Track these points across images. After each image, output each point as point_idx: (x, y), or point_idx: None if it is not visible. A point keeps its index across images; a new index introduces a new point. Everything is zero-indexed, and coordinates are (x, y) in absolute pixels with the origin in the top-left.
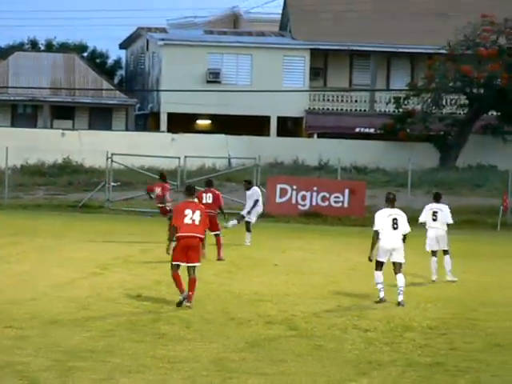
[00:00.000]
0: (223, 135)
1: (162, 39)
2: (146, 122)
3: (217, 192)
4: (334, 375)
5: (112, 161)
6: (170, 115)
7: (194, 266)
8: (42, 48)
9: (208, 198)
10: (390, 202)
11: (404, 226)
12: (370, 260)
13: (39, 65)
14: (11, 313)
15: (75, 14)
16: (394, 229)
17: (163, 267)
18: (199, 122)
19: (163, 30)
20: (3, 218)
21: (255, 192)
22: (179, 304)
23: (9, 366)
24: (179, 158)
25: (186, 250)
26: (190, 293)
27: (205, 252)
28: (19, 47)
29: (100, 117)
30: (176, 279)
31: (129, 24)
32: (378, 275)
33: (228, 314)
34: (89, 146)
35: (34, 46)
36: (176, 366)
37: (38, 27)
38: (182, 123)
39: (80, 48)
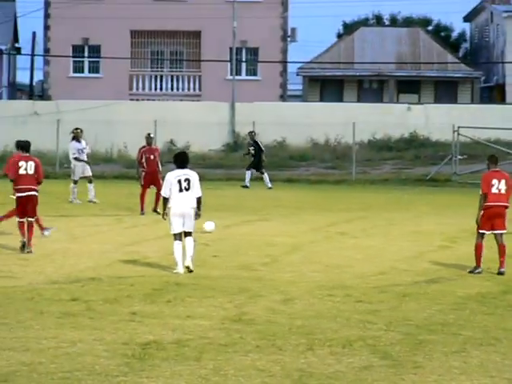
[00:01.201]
0: None
1: (507, 11)
2: (491, 94)
3: None
4: None
5: (458, 134)
6: None
7: (500, 233)
8: (387, 23)
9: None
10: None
11: None
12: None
13: (384, 40)
14: (361, 287)
15: None
16: None
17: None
18: None
19: (507, 2)
20: (351, 193)
21: None
22: (477, 272)
23: (361, 340)
24: None
25: (492, 218)
26: (502, 258)
27: None
28: (364, 22)
29: (445, 90)
30: (478, 249)
31: None
32: None
33: None
34: (435, 120)
35: (378, 21)
36: None
37: (382, 2)
38: None
39: (424, 22)
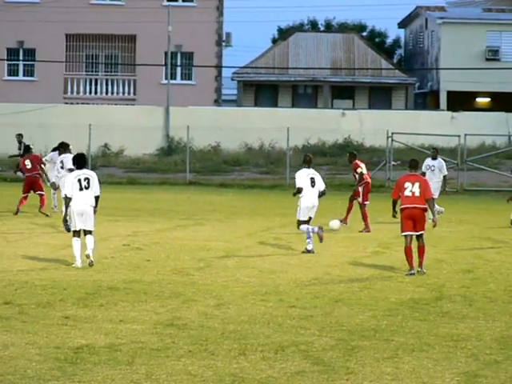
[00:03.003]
0: (503, 113)
1: (441, 18)
2: (426, 100)
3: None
4: None
5: (392, 140)
6: (450, 93)
7: (421, 234)
8: (322, 28)
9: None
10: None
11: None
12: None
13: (319, 45)
14: (294, 292)
15: None
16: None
17: (444, 245)
18: (478, 99)
19: (442, 9)
20: (285, 198)
21: (441, 164)
22: (411, 274)
23: (293, 346)
24: (459, 136)
25: (410, 220)
26: (420, 259)
27: (435, 219)
28: (299, 28)
29: (379, 96)
30: (408, 253)
31: (407, 3)
32: None
33: (511, 292)
34: (369, 126)
35: (313, 26)
36: (459, 344)
37: (317, 8)
38: (461, 101)
39: (359, 27)
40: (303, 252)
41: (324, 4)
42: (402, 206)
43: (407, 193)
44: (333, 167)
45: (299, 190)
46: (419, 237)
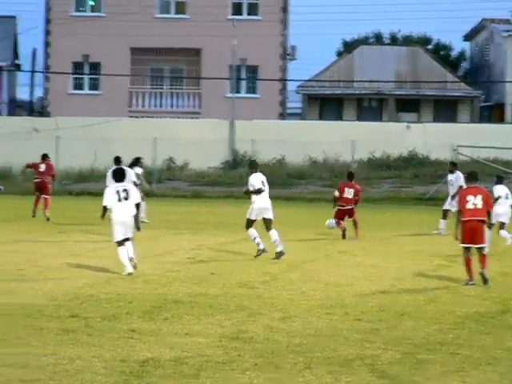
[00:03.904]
0: None
1: (507, 31)
2: (491, 113)
3: (357, 186)
4: None
5: (458, 153)
6: None
7: (481, 247)
8: (387, 41)
9: (349, 193)
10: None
11: None
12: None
13: (384, 58)
14: (360, 306)
15: (419, 6)
16: None
17: (509, 258)
18: None
19: (507, 22)
20: None
21: (458, 177)
22: (471, 284)
23: (359, 359)
24: None
25: (471, 232)
26: (482, 264)
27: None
28: (364, 41)
29: (444, 109)
30: (467, 263)
31: (473, 16)
32: None
33: None
34: (434, 139)
35: (378, 39)
36: None
37: (382, 21)
38: None
39: (424, 40)
40: (256, 256)
41: (389, 17)
42: (464, 219)
43: (469, 206)
44: (397, 180)
45: (259, 190)
46: (479, 249)
